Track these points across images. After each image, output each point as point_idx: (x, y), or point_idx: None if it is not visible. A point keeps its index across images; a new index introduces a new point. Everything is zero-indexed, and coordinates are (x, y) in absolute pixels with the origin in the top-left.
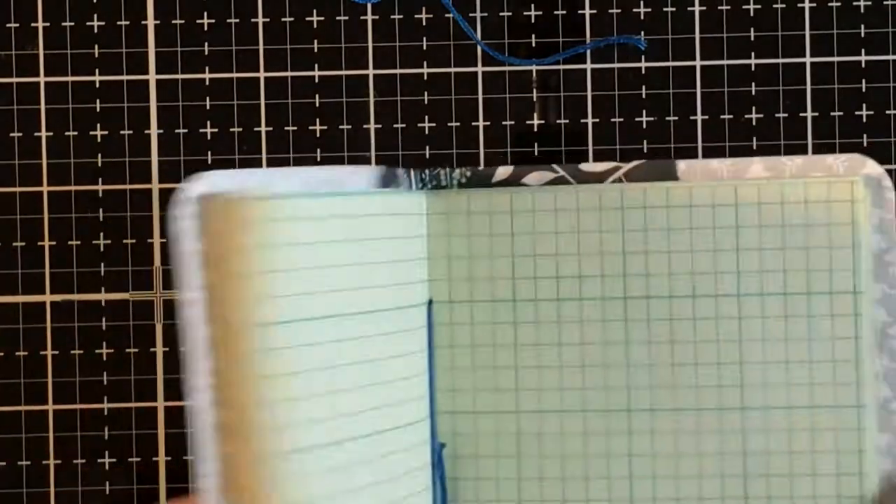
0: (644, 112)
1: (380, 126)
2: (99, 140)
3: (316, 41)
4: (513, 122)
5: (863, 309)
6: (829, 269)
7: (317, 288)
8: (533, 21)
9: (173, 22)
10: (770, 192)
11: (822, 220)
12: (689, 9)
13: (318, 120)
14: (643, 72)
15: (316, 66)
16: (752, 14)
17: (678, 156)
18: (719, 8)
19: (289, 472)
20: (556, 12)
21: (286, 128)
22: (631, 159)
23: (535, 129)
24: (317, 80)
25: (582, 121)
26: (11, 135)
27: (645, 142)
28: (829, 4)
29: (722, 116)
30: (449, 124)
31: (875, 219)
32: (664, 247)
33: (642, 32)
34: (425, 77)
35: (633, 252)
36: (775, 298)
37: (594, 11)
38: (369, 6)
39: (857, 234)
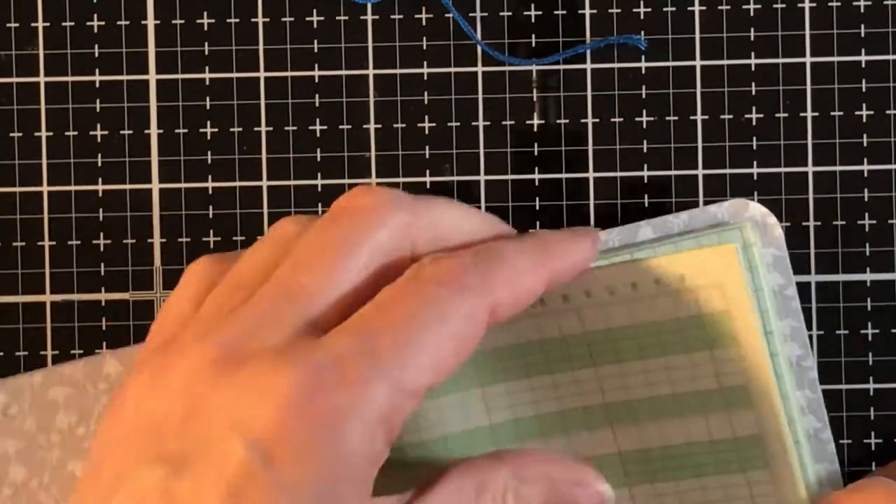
0: (644, 112)
1: (380, 126)
2: (99, 140)
3: (316, 41)
4: (513, 122)
5: (777, 348)
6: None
7: None
8: (533, 21)
9: (173, 22)
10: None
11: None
12: (689, 9)
13: (318, 120)
14: (643, 72)
15: (316, 66)
16: (752, 14)
17: (677, 157)
18: (719, 8)
19: None
20: (556, 12)
21: (286, 128)
22: (631, 159)
23: (535, 129)
24: (317, 80)
25: (582, 121)
26: (11, 135)
27: (645, 142)
28: (829, 4)
29: (722, 116)
30: (449, 124)
31: (768, 257)
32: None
33: (642, 32)
34: (425, 77)
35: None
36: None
37: (594, 11)
38: (369, 6)
39: (758, 277)
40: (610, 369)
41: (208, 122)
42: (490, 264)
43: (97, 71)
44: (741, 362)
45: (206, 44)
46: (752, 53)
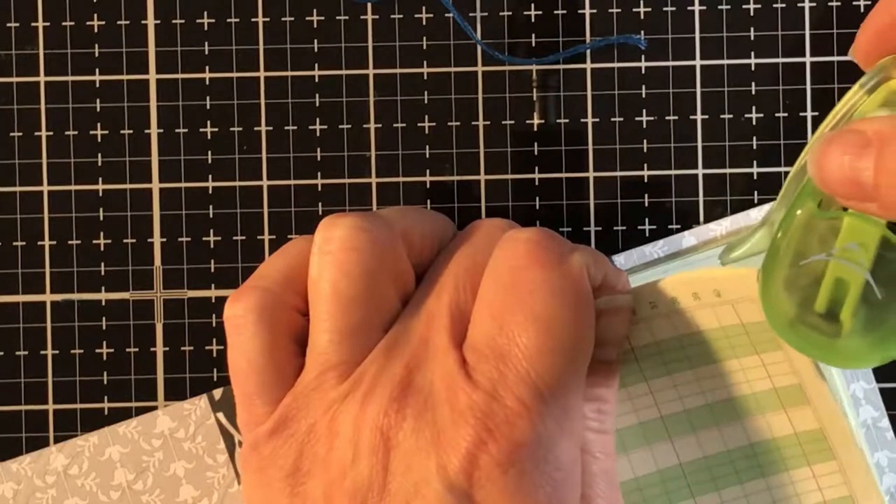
0: (644, 112)
1: (380, 126)
2: (99, 140)
3: (316, 41)
4: (513, 122)
5: None
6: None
7: None
8: (533, 21)
9: (173, 22)
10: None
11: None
12: (689, 9)
13: (318, 120)
14: (643, 72)
15: (316, 66)
16: (752, 14)
17: (677, 157)
18: (719, 8)
19: None
20: (556, 12)
21: (286, 128)
22: (630, 159)
23: (535, 129)
24: (317, 80)
25: (582, 120)
26: (11, 135)
27: (645, 141)
28: (830, 4)
29: (722, 116)
30: (449, 124)
31: None
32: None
33: (642, 32)
34: (425, 77)
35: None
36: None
37: (594, 11)
38: (369, 6)
39: None
40: (662, 382)
41: (208, 122)
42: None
43: (97, 71)
44: (789, 363)
45: (206, 44)
46: (752, 53)
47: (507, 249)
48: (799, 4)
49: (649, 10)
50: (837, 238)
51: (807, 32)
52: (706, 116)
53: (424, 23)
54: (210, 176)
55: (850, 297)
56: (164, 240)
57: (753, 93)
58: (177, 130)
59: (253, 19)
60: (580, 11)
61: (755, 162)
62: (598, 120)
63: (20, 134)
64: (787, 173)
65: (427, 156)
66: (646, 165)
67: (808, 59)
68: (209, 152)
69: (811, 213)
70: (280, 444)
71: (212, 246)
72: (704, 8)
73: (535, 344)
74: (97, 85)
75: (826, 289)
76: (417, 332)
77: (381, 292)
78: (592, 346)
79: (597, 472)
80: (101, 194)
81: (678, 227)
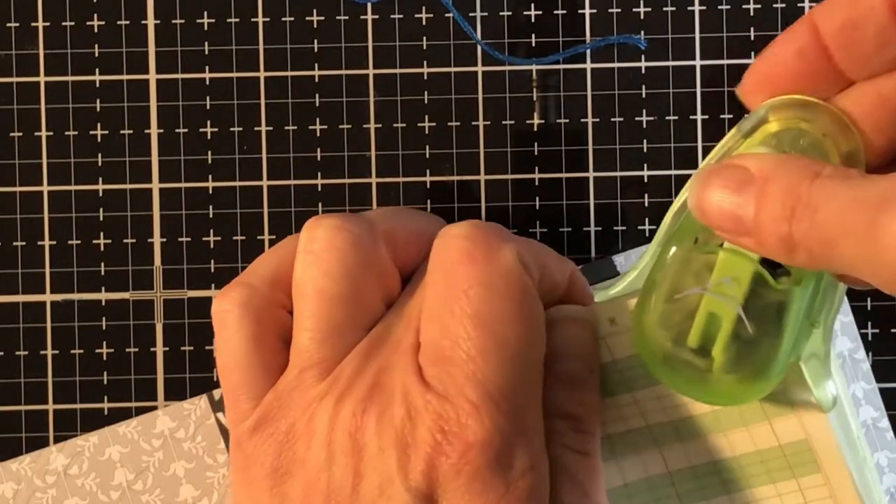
0: (644, 112)
1: (380, 126)
2: (99, 140)
3: (316, 41)
4: (513, 122)
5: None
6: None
7: None
8: (533, 21)
9: (173, 22)
10: None
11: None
12: (689, 9)
13: (318, 120)
14: (643, 72)
15: (316, 66)
16: (752, 14)
17: (677, 156)
18: (719, 8)
19: None
20: (556, 12)
21: (286, 128)
22: (630, 159)
23: (535, 129)
24: (317, 80)
25: (582, 120)
26: (11, 135)
27: (645, 141)
28: None
29: (722, 116)
30: (449, 124)
31: None
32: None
33: (642, 32)
34: (425, 77)
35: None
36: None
37: (594, 11)
38: (369, 6)
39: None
40: (645, 392)
41: (208, 122)
42: None
43: (97, 71)
44: None
45: (206, 44)
46: (752, 53)
47: (440, 248)
48: (799, 4)
49: (649, 10)
50: (712, 273)
51: None
52: (706, 116)
53: (424, 23)
54: (210, 176)
55: (722, 332)
56: (164, 240)
57: None
58: (177, 130)
59: (253, 19)
60: (580, 11)
61: None
62: (598, 120)
63: (20, 134)
64: None
65: (427, 156)
66: (646, 165)
67: None
68: (209, 152)
69: (688, 250)
70: (261, 442)
71: (212, 246)
72: (704, 8)
73: (476, 344)
74: (97, 85)
75: (699, 323)
76: (395, 334)
77: (362, 292)
78: (541, 342)
79: (578, 495)
80: (101, 194)
81: None
